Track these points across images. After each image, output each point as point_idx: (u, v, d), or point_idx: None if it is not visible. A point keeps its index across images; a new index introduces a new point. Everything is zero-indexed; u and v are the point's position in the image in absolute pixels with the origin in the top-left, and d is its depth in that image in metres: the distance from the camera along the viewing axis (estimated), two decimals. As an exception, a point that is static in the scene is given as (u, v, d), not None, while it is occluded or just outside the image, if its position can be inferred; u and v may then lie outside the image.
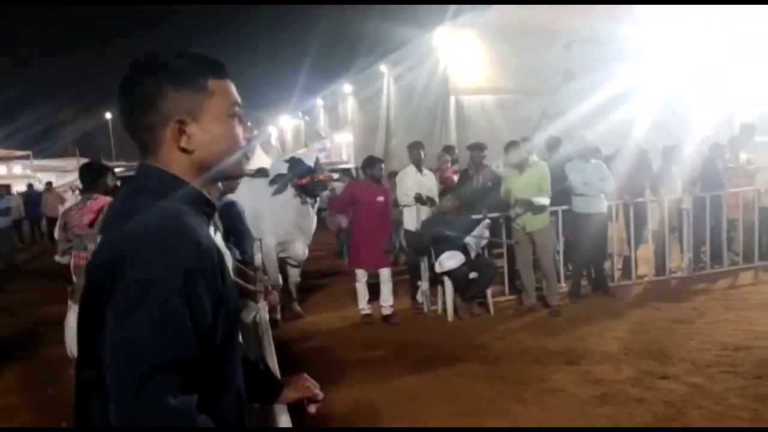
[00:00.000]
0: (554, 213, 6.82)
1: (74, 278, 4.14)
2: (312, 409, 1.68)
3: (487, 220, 6.58)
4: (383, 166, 6.68)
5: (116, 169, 13.58)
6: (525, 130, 11.50)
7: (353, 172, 18.95)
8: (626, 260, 7.66)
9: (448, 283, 6.47)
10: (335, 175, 11.41)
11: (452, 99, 16.04)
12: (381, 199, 6.48)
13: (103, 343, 1.08)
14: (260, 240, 3.50)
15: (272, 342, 2.45)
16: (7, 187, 18.66)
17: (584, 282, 7.11)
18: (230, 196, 3.77)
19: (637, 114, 8.94)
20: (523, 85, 15.41)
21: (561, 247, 7.17)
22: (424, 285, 6.80)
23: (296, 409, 1.73)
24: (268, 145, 36.26)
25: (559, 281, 6.97)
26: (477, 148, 7.16)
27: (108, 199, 4.09)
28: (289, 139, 35.54)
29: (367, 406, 4.29)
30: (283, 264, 6.74)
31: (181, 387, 1.04)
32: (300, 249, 6.63)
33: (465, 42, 15.64)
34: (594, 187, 6.65)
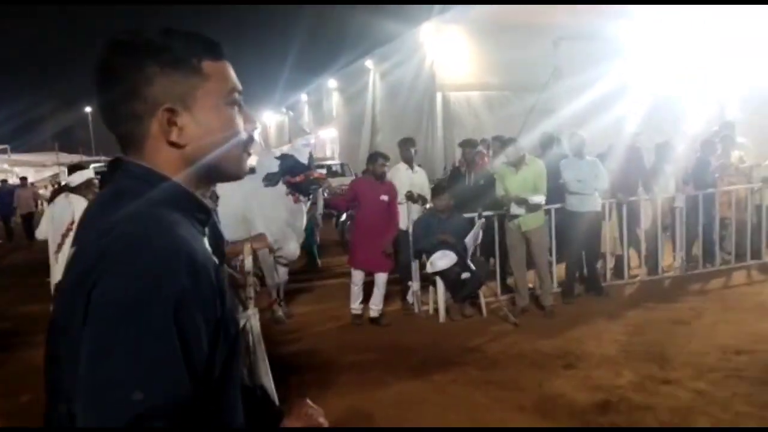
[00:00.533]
0: (547, 212, 6.68)
1: None
2: None
3: (482, 220, 6.42)
4: (385, 162, 6.31)
5: (95, 165, 13.26)
6: (512, 127, 11.41)
7: (338, 168, 18.74)
8: (618, 259, 7.55)
9: (439, 284, 6.30)
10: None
11: (439, 95, 15.92)
12: (385, 198, 6.14)
13: (76, 381, 0.87)
14: (250, 243, 3.28)
15: (266, 357, 2.24)
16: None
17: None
18: (221, 196, 3.53)
19: (627, 111, 8.86)
20: (510, 82, 15.33)
21: (554, 246, 7.03)
22: (414, 285, 6.62)
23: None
24: (251, 140, 35.90)
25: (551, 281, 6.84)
26: (469, 145, 7.00)
27: None
28: (273, 134, 35.23)
29: (360, 414, 4.10)
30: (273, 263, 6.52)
31: None
32: (293, 248, 6.39)
33: (452, 38, 15.50)
34: (588, 185, 6.51)
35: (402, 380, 4.70)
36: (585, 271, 7.03)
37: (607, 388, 4.30)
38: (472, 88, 15.84)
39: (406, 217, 6.56)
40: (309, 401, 1.50)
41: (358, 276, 6.31)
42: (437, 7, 15.88)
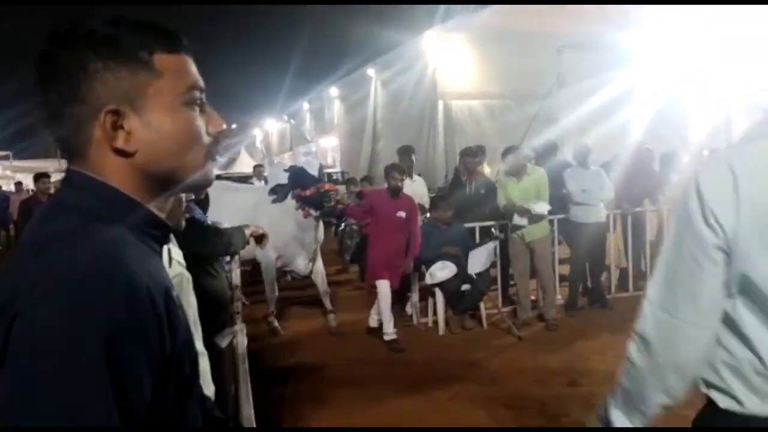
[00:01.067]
0: (550, 222, 6.53)
1: None
2: None
3: (493, 244, 6.26)
4: (399, 175, 5.79)
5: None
6: (514, 135, 11.28)
7: (338, 176, 18.62)
8: (623, 272, 7.39)
9: (439, 295, 6.15)
10: None
11: (440, 103, 15.82)
12: (402, 214, 5.68)
13: None
14: (237, 254, 3.12)
15: (249, 378, 2.09)
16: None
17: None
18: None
19: (630, 120, 8.74)
20: (512, 91, 15.22)
21: (557, 257, 6.87)
22: (414, 296, 6.47)
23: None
24: (252, 148, 35.89)
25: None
26: (469, 154, 6.85)
27: None
28: (275, 142, 35.23)
29: (356, 433, 3.94)
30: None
31: None
32: (301, 264, 6.15)
33: (454, 46, 15.43)
34: (593, 196, 6.35)
35: (400, 396, 4.53)
36: (589, 283, 6.88)
37: (613, 406, 4.13)
38: (474, 97, 15.74)
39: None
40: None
41: (384, 286, 5.73)
42: (439, 15, 15.84)
